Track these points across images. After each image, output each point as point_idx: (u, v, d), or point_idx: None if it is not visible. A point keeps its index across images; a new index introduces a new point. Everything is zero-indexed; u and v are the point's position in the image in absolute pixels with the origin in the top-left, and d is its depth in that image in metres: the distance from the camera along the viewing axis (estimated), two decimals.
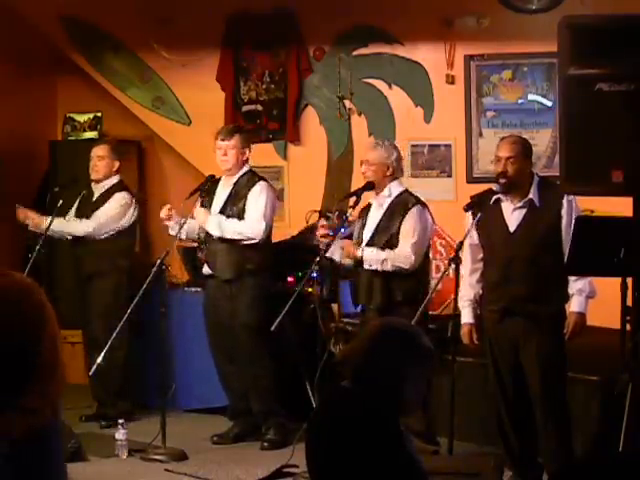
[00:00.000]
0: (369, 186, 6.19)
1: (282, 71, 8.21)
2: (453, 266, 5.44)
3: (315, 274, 6.07)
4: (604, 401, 5.66)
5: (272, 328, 6.03)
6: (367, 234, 6.14)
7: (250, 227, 6.57)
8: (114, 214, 7.21)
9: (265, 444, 6.60)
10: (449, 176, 7.66)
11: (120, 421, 6.38)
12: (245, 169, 6.74)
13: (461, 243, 5.48)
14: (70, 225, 7.21)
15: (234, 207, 6.66)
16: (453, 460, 5.32)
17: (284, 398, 6.73)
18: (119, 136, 8.62)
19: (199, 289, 7.36)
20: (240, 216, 6.62)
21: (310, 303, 6.82)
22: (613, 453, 4.65)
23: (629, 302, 4.74)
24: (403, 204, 6.07)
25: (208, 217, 6.61)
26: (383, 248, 6.01)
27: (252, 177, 6.74)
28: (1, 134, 8.33)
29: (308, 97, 8.15)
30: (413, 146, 7.74)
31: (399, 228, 6.02)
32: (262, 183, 6.70)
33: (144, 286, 6.46)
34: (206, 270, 6.75)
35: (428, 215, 6.10)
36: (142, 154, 8.93)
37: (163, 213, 6.68)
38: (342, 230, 6.59)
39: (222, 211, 6.68)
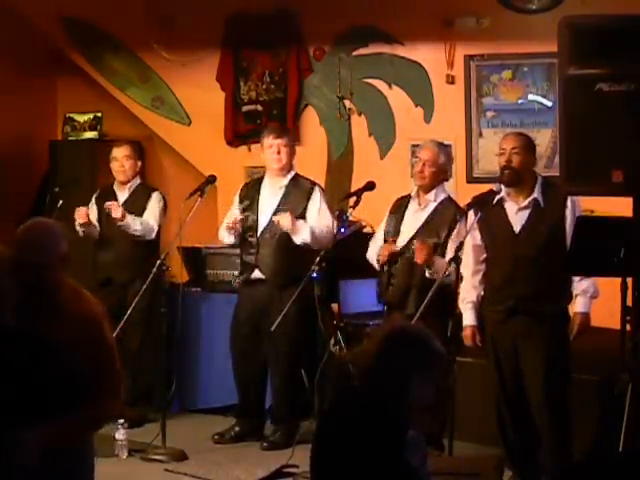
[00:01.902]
0: (369, 186, 6.18)
1: (282, 71, 8.20)
2: (453, 266, 5.43)
3: (315, 274, 6.06)
4: (604, 401, 5.66)
5: (272, 328, 6.03)
6: (406, 234, 6.02)
7: (328, 236, 6.38)
8: (160, 218, 7.13)
9: (265, 444, 6.60)
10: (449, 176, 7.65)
11: (120, 421, 6.38)
12: (292, 173, 6.66)
13: (461, 243, 5.47)
14: (141, 225, 6.99)
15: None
16: (453, 460, 5.31)
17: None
18: (119, 136, 8.63)
19: (199, 289, 7.36)
20: None
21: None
22: (613, 453, 4.65)
23: (629, 302, 4.74)
24: (450, 214, 5.94)
25: (298, 226, 6.42)
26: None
27: (303, 182, 6.64)
28: (1, 134, 8.33)
29: (308, 97, 8.15)
30: (413, 146, 7.72)
31: (446, 240, 5.89)
32: (317, 190, 6.61)
33: (144, 287, 6.46)
34: (255, 274, 6.62)
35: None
36: (142, 154, 8.92)
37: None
38: (342, 230, 6.58)
39: (273, 217, 6.54)
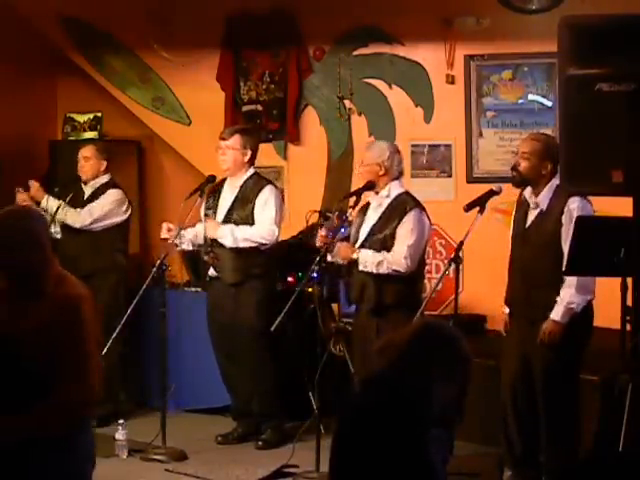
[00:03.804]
0: (369, 186, 6.19)
1: (282, 71, 8.20)
2: (453, 266, 5.44)
3: (315, 274, 6.07)
4: (604, 401, 5.65)
5: (272, 328, 6.03)
6: (363, 233, 6.14)
7: (262, 232, 6.56)
8: (108, 210, 7.24)
9: (259, 443, 6.62)
10: (449, 176, 7.66)
11: (120, 421, 6.38)
12: (250, 172, 6.70)
13: (461, 243, 5.47)
14: (69, 214, 7.16)
15: (241, 212, 6.62)
16: (453, 460, 5.31)
17: (284, 398, 6.74)
18: (119, 136, 8.63)
19: (199, 289, 7.36)
20: (247, 222, 6.59)
21: (310, 303, 6.82)
22: (613, 453, 4.65)
23: (629, 302, 4.73)
24: (401, 206, 6.04)
25: (219, 228, 6.58)
26: (378, 250, 6.00)
27: (258, 180, 6.70)
28: (1, 134, 8.33)
29: (308, 97, 8.15)
30: (413, 146, 7.73)
31: (395, 230, 6.00)
32: (269, 187, 6.66)
33: (144, 286, 6.47)
34: (211, 272, 6.73)
35: (426, 219, 6.06)
36: (142, 154, 8.93)
37: (163, 234, 6.63)
38: (342, 230, 6.60)
39: (228, 215, 6.65)
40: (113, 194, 7.31)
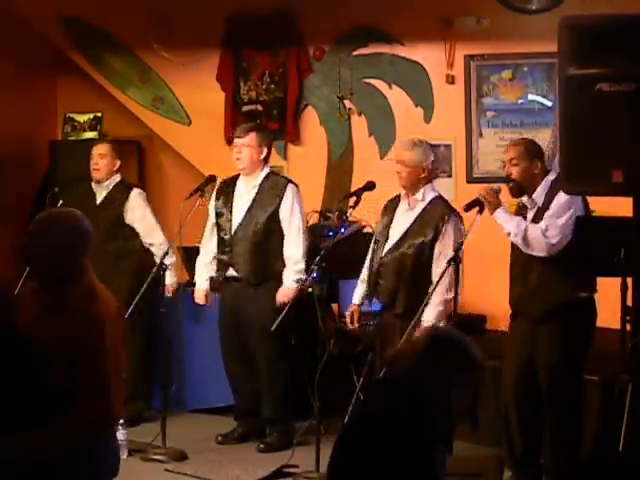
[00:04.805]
0: (369, 186, 6.17)
1: (282, 71, 8.20)
2: (453, 266, 5.43)
3: (315, 274, 6.06)
4: (604, 401, 5.65)
5: (272, 328, 6.02)
6: (395, 235, 5.95)
7: (300, 251, 6.51)
8: (152, 214, 7.13)
9: (261, 445, 6.58)
10: (449, 176, 7.66)
11: (120, 421, 6.37)
12: (266, 171, 6.65)
13: (461, 243, 5.46)
14: (170, 273, 6.87)
15: (261, 212, 6.55)
16: (453, 460, 5.31)
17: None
18: (119, 136, 8.63)
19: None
20: (270, 223, 6.53)
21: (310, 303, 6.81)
22: (613, 453, 4.64)
23: (629, 302, 4.74)
24: (439, 214, 5.85)
25: (290, 290, 6.42)
26: (413, 257, 5.84)
27: (276, 180, 6.65)
28: (1, 134, 8.33)
29: (308, 97, 8.15)
30: None
31: (434, 239, 5.81)
32: (291, 188, 6.60)
33: (144, 286, 6.46)
34: (230, 272, 6.66)
35: (462, 227, 5.87)
36: (142, 154, 8.93)
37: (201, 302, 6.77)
38: (342, 230, 6.59)
39: (246, 216, 6.58)
40: (137, 197, 7.14)
